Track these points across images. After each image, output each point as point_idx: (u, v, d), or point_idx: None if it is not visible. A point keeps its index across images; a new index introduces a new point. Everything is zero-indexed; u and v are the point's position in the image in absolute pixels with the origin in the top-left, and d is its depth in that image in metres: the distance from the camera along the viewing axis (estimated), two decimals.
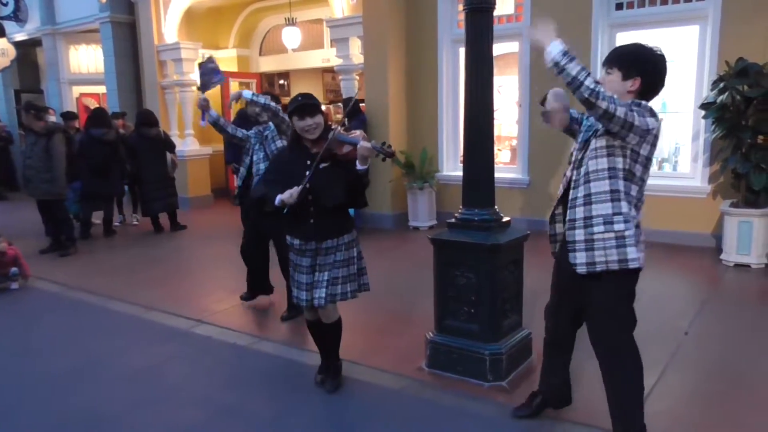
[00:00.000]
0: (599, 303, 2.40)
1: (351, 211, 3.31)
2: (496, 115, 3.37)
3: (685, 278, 5.15)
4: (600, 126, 2.31)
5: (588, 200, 2.32)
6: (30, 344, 4.15)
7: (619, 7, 6.37)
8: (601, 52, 6.32)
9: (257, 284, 4.70)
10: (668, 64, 2.35)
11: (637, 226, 2.35)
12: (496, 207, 3.28)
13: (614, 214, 2.28)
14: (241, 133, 4.52)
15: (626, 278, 2.37)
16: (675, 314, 4.24)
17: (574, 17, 6.39)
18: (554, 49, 2.21)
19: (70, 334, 4.32)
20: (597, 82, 2.19)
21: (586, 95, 2.14)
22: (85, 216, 7.58)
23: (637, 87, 2.32)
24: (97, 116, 7.55)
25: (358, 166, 2.88)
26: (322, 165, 2.89)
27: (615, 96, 2.22)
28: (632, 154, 2.29)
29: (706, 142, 5.98)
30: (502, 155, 7.69)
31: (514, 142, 7.52)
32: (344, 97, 8.15)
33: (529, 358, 3.46)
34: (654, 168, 6.65)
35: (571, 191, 2.42)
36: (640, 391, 2.47)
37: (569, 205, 2.42)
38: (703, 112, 5.66)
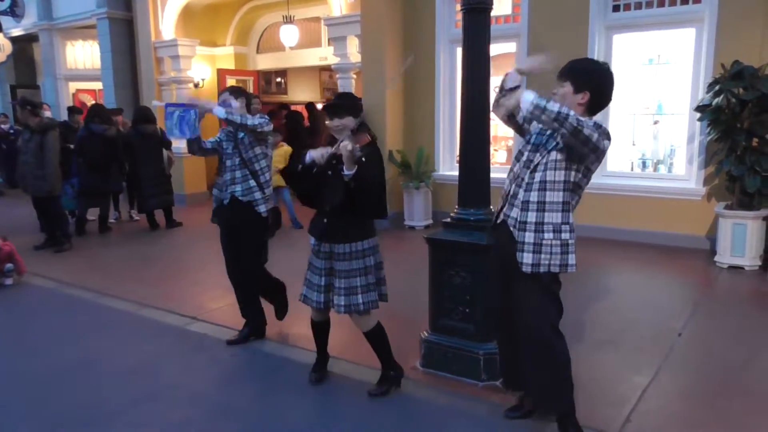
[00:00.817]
0: (531, 300, 2.53)
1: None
2: (492, 115, 3.37)
3: (679, 280, 5.16)
4: (557, 140, 2.45)
5: (542, 207, 2.47)
6: (24, 341, 4.13)
7: (616, 8, 6.38)
8: (597, 53, 6.34)
9: (270, 294, 4.16)
10: (614, 80, 2.54)
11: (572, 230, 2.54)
12: (491, 207, 3.28)
13: (563, 223, 2.47)
14: (209, 143, 3.84)
15: (558, 278, 2.57)
16: (669, 316, 4.25)
17: (570, 19, 6.40)
18: (528, 95, 2.35)
19: (64, 330, 4.30)
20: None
21: (575, 124, 2.29)
22: (80, 212, 7.57)
23: (587, 101, 2.48)
24: (97, 112, 7.54)
25: (344, 171, 2.80)
26: (334, 162, 2.88)
27: (589, 120, 2.39)
28: (584, 170, 2.50)
29: (701, 144, 6.00)
30: (498, 155, 7.70)
31: (510, 143, 7.53)
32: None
33: None
34: (649, 169, 6.69)
35: (518, 189, 2.55)
36: (569, 378, 2.59)
37: (516, 203, 2.54)
38: (698, 115, 5.68)
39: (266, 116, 3.81)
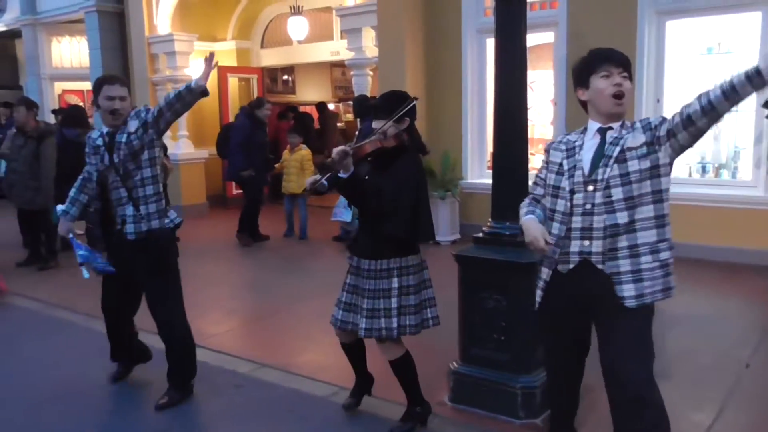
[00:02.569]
0: (634, 336, 2.37)
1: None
2: (528, 115, 3.37)
3: (746, 302, 5.08)
4: (627, 143, 2.34)
5: (632, 228, 2.33)
6: (5, 366, 4.19)
7: None
8: (647, 43, 6.30)
9: (120, 347, 3.87)
10: None
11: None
12: None
13: (659, 241, 2.35)
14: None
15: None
16: (734, 343, 4.17)
17: (616, 3, 6.38)
18: None
19: (49, 357, 4.35)
20: None
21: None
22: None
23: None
24: (72, 115, 7.48)
25: (340, 173, 2.79)
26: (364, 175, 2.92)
27: None
28: (670, 170, 2.40)
29: None
30: (535, 160, 7.66)
31: None
32: (356, 94, 8.20)
33: None
34: (710, 175, 6.60)
35: (589, 217, 2.36)
36: None
37: (597, 233, 2.36)
38: (766, 111, 5.60)
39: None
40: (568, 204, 2.41)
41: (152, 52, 10.02)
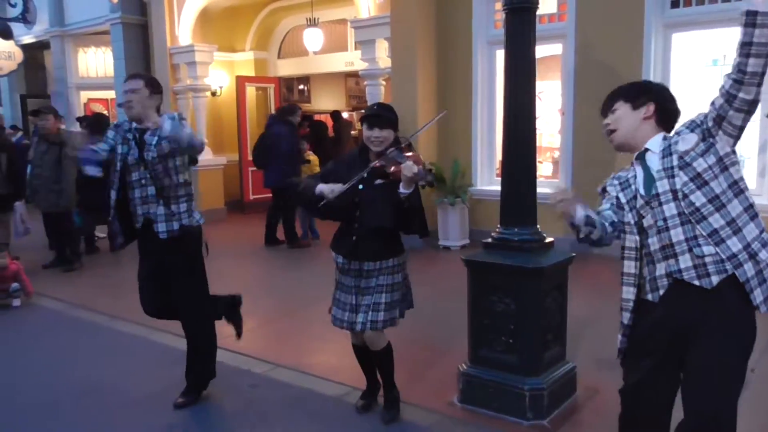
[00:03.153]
0: (729, 363, 2.13)
1: None
2: (537, 124, 3.36)
3: None
4: (680, 148, 2.13)
5: (735, 227, 2.07)
6: (30, 366, 4.23)
7: (675, 4, 6.31)
8: (654, 55, 6.27)
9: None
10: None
11: None
12: (537, 226, 3.25)
13: (762, 232, 2.10)
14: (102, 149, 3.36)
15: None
16: None
17: (623, 16, 6.36)
18: None
19: (72, 355, 4.39)
20: None
21: None
22: (88, 230, 7.73)
23: (653, 112, 2.26)
24: (95, 122, 7.68)
25: (401, 189, 2.87)
26: (378, 182, 2.95)
27: None
28: (736, 158, 2.17)
29: None
30: (543, 168, 7.64)
31: (557, 154, 7.47)
32: (369, 103, 8.22)
33: (573, 395, 3.40)
34: None
35: (666, 233, 2.12)
36: None
37: (680, 248, 2.10)
38: None
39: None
40: (637, 238, 2.20)
41: (174, 62, 10.11)
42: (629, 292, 2.23)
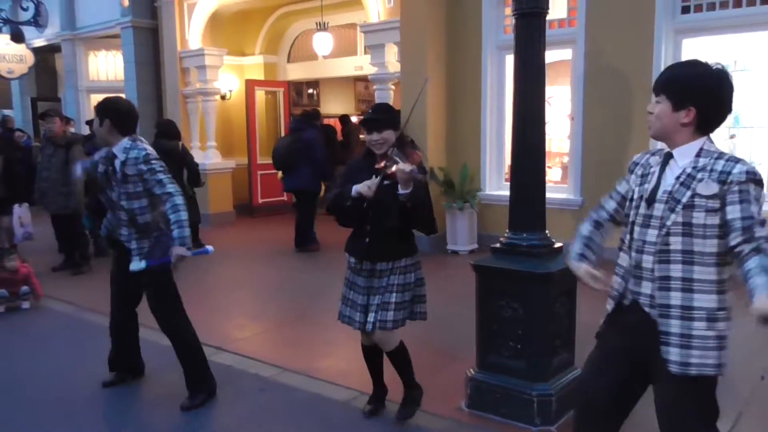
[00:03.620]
0: (684, 408, 2.14)
1: None
2: (546, 129, 3.37)
3: None
4: (699, 189, 2.03)
5: (688, 287, 2.05)
6: (39, 368, 4.26)
7: (685, 10, 6.30)
8: (664, 61, 6.26)
9: (123, 362, 3.93)
10: (731, 85, 2.12)
11: None
12: (546, 231, 3.26)
13: (719, 309, 2.06)
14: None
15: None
16: (749, 355, 4.10)
17: (633, 22, 6.36)
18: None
19: (81, 357, 4.42)
20: None
21: None
22: (96, 232, 7.78)
23: (693, 118, 2.08)
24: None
25: (399, 191, 2.88)
26: (386, 182, 2.96)
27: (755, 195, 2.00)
28: None
29: None
30: (552, 173, 7.63)
31: (566, 159, 7.47)
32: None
33: None
34: None
35: (640, 255, 2.14)
36: None
37: (646, 274, 2.13)
38: None
39: None
40: (629, 237, 2.21)
41: (183, 66, 10.18)
42: (618, 283, 2.25)
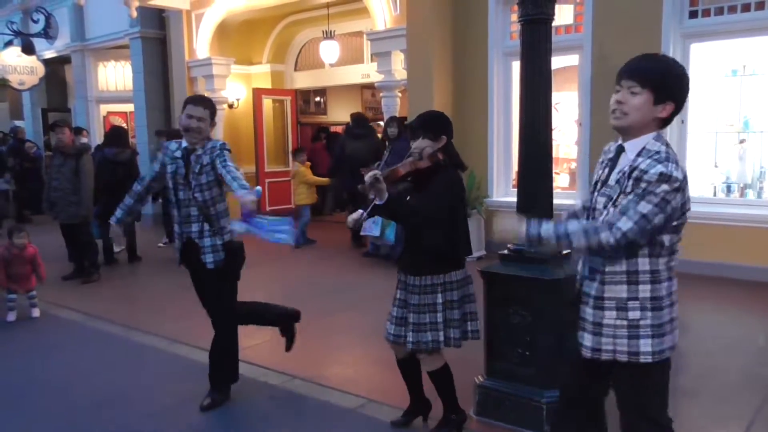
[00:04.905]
0: (626, 389, 2.28)
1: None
2: (553, 135, 3.37)
3: None
4: (625, 182, 2.10)
5: (603, 278, 2.20)
6: (48, 377, 4.29)
7: (693, 15, 6.29)
8: None
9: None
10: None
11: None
12: None
13: (636, 299, 2.14)
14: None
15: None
16: (760, 361, 4.07)
17: (640, 27, 6.35)
18: (540, 228, 2.25)
19: (90, 367, 4.45)
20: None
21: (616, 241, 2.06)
22: (106, 242, 7.82)
23: (669, 114, 2.10)
24: (113, 135, 7.86)
25: (376, 200, 2.82)
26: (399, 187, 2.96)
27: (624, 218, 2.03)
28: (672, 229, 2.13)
29: None
30: (560, 179, 7.62)
31: (574, 165, 7.45)
32: (385, 115, 8.27)
33: None
34: (735, 195, 6.48)
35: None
36: None
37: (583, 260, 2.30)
38: None
39: None
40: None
41: (191, 75, 10.27)
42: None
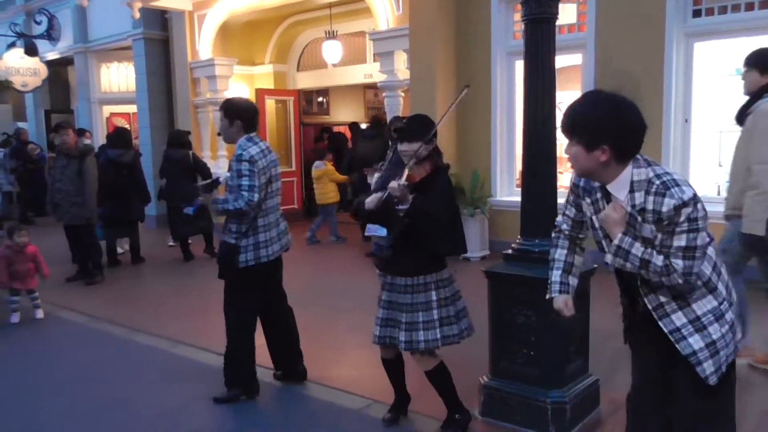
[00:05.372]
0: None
1: None
2: (557, 134, 3.36)
3: None
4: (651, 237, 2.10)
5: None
6: (52, 378, 4.29)
7: (696, 14, 6.27)
8: (675, 64, 6.22)
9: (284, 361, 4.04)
10: (636, 115, 2.09)
11: None
12: None
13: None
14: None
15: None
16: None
17: (644, 26, 6.33)
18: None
19: (94, 368, 4.45)
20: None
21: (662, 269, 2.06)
22: (109, 243, 7.82)
23: (609, 156, 2.05)
24: (116, 137, 7.87)
25: (398, 206, 2.88)
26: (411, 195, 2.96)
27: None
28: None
29: None
30: (563, 178, 7.59)
31: None
32: (388, 114, 8.26)
33: (596, 409, 3.37)
34: None
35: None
36: None
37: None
38: None
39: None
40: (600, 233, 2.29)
41: (194, 76, 10.27)
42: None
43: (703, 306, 2.12)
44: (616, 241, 2.10)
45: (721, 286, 2.15)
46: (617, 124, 2.05)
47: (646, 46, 6.30)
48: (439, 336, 3.02)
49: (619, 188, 2.10)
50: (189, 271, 7.55)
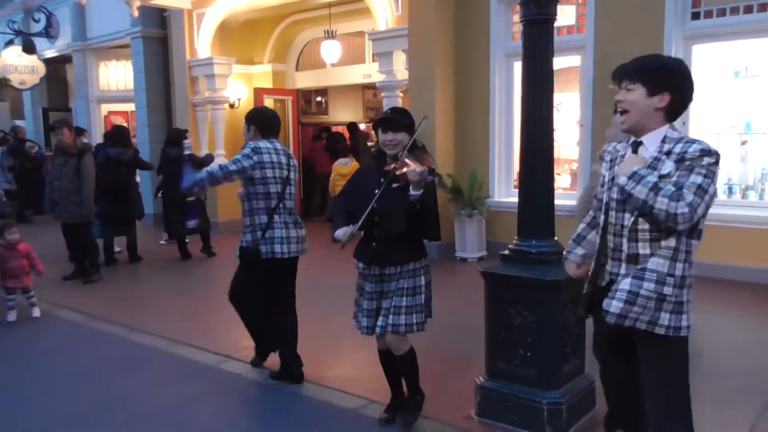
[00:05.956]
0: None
1: None
2: (554, 135, 3.37)
3: None
4: (663, 170, 2.28)
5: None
6: (50, 378, 4.29)
7: (695, 16, 6.29)
8: None
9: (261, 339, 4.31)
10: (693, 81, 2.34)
11: None
12: (555, 238, 3.25)
13: (669, 275, 2.32)
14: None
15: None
16: (763, 364, 4.07)
17: (642, 28, 6.35)
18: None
19: (90, 368, 4.45)
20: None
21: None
22: (106, 242, 7.82)
23: (666, 104, 2.28)
24: (115, 135, 7.87)
25: (411, 191, 2.93)
26: (395, 185, 2.99)
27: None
28: None
29: None
30: (561, 180, 7.62)
31: (575, 166, 7.45)
32: None
33: (592, 410, 3.38)
34: (737, 196, 6.49)
35: (619, 239, 2.40)
36: None
37: (624, 257, 2.39)
38: None
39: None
40: (603, 218, 2.44)
41: (193, 74, 10.26)
42: (592, 264, 2.56)
43: (658, 265, 2.26)
44: (634, 168, 2.23)
45: (683, 273, 2.27)
46: (681, 75, 2.30)
47: (644, 48, 6.24)
48: (420, 320, 3.13)
49: (652, 141, 2.30)
50: (186, 270, 7.55)
